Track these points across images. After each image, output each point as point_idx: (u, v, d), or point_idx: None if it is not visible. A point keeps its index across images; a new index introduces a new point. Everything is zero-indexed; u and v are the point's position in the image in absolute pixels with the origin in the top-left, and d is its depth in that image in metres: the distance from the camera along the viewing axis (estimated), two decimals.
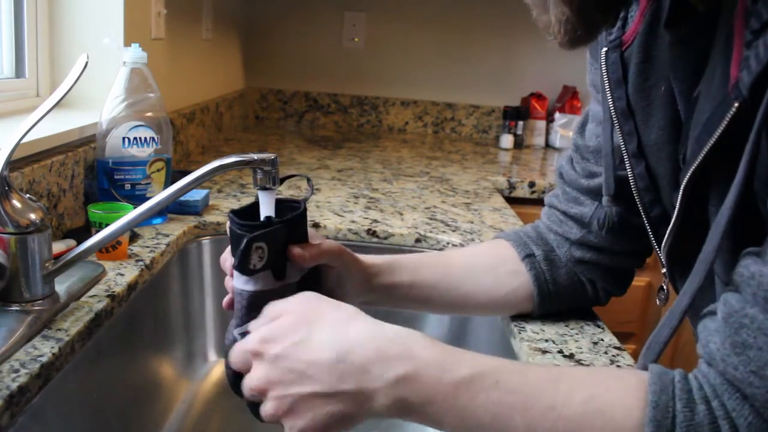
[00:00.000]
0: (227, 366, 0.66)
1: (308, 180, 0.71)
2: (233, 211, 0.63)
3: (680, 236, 0.62)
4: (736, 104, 0.48)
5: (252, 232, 0.59)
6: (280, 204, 0.65)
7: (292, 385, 0.53)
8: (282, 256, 0.62)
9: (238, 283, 0.62)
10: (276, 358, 0.54)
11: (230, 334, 0.64)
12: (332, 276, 0.70)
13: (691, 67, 0.59)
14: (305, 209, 0.65)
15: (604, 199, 0.75)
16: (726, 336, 0.46)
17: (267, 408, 0.55)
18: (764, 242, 0.47)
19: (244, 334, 0.62)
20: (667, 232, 0.63)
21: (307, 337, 0.54)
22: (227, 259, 0.67)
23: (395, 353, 0.52)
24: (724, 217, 0.49)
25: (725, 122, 0.50)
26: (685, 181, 0.57)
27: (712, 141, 0.52)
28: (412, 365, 0.52)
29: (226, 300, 0.67)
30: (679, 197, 0.59)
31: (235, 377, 0.66)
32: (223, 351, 0.66)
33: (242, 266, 0.58)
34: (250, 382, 0.56)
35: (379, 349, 0.53)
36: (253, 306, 0.62)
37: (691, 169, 0.55)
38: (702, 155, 0.53)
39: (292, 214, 0.64)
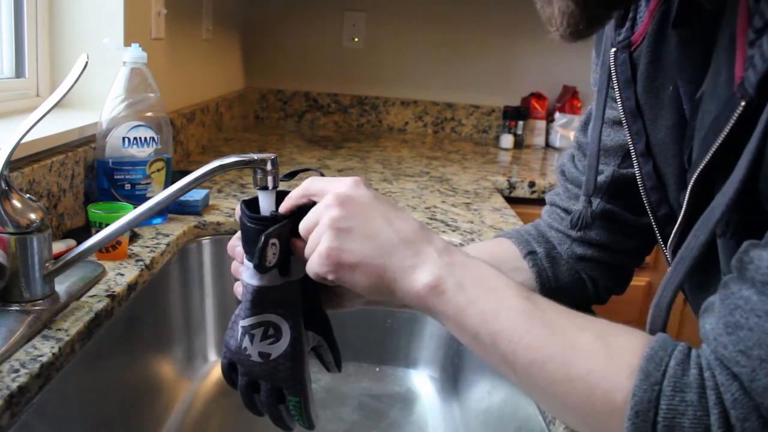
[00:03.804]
0: (224, 356, 0.65)
1: (321, 175, 0.71)
2: (245, 203, 0.62)
3: (687, 235, 0.63)
4: (743, 103, 0.48)
5: (265, 228, 0.58)
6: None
7: (354, 218, 0.57)
8: (287, 251, 0.62)
9: (244, 276, 0.62)
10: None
11: (235, 324, 0.64)
12: None
13: (696, 68, 0.59)
14: (313, 203, 0.65)
15: (582, 198, 0.76)
16: (720, 316, 0.46)
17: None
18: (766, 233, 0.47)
19: (244, 328, 0.62)
20: (674, 231, 0.63)
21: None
22: (236, 245, 0.67)
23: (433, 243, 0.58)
24: (715, 215, 0.50)
25: (732, 122, 0.50)
26: (692, 181, 0.57)
27: (718, 141, 0.52)
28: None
29: (237, 288, 0.67)
30: (686, 197, 0.59)
31: (229, 368, 0.66)
32: (223, 344, 0.65)
33: (261, 264, 0.58)
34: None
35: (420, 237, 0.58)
36: (257, 301, 0.62)
37: (698, 170, 0.55)
38: (709, 156, 0.53)
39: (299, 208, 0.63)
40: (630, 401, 0.47)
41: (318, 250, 0.57)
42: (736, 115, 0.49)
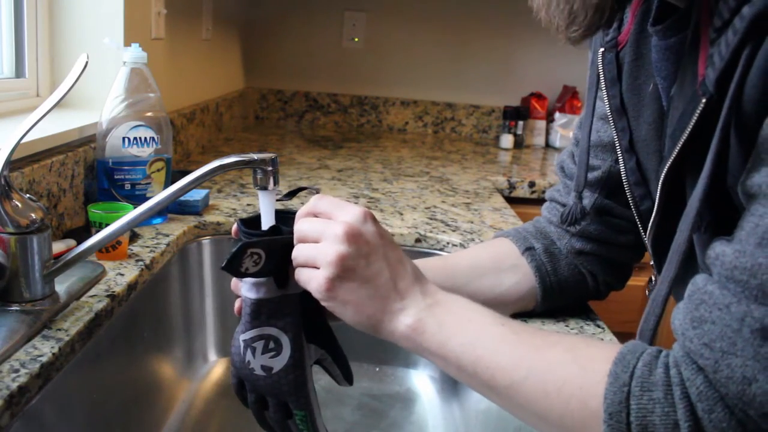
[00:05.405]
0: (233, 375, 0.66)
1: (318, 192, 0.71)
2: (242, 220, 0.63)
3: (662, 228, 0.64)
4: (704, 100, 0.50)
5: (251, 239, 0.59)
6: (290, 214, 0.65)
7: (358, 259, 0.58)
8: (286, 265, 0.62)
9: (243, 290, 0.63)
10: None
11: (236, 341, 0.64)
12: None
13: (672, 65, 0.61)
14: None
15: (573, 194, 0.77)
16: (687, 311, 0.48)
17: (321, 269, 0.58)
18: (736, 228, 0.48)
19: (245, 341, 0.62)
20: (650, 224, 0.65)
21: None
22: None
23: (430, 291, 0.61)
24: (693, 210, 0.51)
25: (695, 118, 0.52)
26: (662, 175, 0.59)
27: (684, 137, 0.54)
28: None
29: (237, 305, 0.67)
30: (659, 191, 0.60)
31: (239, 385, 0.66)
32: (227, 354, 0.66)
33: (229, 266, 0.59)
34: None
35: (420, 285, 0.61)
36: (255, 314, 0.62)
37: (668, 164, 0.57)
38: (676, 150, 0.55)
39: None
40: (603, 404, 0.48)
41: (317, 277, 0.58)
42: (698, 111, 0.51)
